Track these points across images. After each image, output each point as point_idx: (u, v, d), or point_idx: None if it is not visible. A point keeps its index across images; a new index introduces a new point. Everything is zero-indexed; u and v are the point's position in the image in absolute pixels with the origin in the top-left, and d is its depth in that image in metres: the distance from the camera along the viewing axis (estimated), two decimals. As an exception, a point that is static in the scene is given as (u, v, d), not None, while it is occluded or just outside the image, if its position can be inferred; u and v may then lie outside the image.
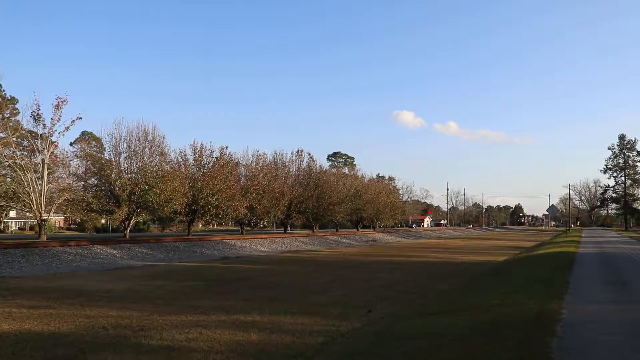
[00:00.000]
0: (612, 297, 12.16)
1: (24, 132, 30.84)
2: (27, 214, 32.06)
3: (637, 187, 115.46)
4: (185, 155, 38.45)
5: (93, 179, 34.82)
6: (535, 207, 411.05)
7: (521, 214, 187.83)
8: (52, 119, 29.24)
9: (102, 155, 35.74)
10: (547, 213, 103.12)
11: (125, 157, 34.22)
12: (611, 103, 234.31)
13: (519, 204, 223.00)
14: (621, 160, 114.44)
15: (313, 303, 12.72)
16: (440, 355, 6.85)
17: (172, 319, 10.19)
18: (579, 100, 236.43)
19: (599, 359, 6.54)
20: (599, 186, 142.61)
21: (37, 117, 29.48)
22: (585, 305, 10.79)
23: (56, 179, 31.28)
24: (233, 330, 9.25)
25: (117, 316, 10.46)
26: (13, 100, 52.43)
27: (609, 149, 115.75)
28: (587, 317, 9.35)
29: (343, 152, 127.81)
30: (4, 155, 29.04)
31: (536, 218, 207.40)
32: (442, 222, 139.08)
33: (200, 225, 71.37)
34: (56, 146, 30.85)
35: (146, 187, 32.11)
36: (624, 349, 7.05)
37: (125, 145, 34.22)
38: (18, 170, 28.13)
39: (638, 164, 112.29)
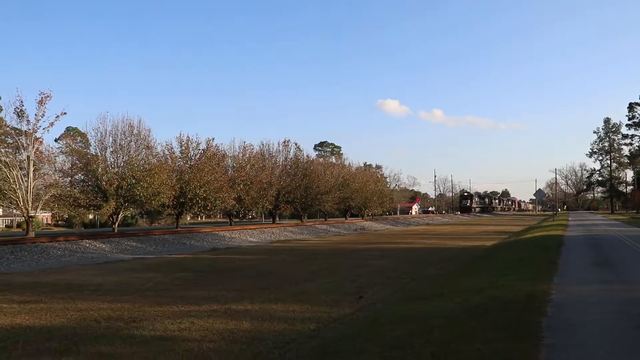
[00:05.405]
0: (599, 277, 12.37)
1: (7, 129, 30.41)
2: (14, 211, 31.79)
3: (623, 170, 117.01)
4: (172, 148, 38.13)
5: (79, 175, 34.45)
6: (523, 191, 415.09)
7: (466, 194, 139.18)
8: (36, 115, 28.82)
9: (88, 151, 35.28)
10: (534, 197, 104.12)
11: (112, 152, 33.89)
12: (596, 87, 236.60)
13: (506, 189, 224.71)
14: (607, 144, 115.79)
15: (304, 291, 12.76)
16: (431, 338, 6.92)
17: (164, 310, 10.19)
18: (564, 85, 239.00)
19: (587, 337, 6.67)
20: (585, 170, 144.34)
21: (20, 114, 29.03)
22: (573, 286, 10.96)
23: (42, 175, 30.93)
24: (225, 319, 9.27)
25: (108, 309, 10.44)
26: (-5, 96, 51.76)
27: (595, 132, 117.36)
28: (576, 298, 9.50)
29: (330, 142, 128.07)
30: (-12, 153, 28.66)
31: (509, 200, 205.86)
32: (430, 209, 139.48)
33: (188, 218, 71.15)
34: (41, 142, 30.46)
35: (133, 181, 31.89)
36: (612, 327, 7.18)
37: (111, 139, 33.90)
38: (3, 167, 27.78)
39: (623, 147, 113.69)
